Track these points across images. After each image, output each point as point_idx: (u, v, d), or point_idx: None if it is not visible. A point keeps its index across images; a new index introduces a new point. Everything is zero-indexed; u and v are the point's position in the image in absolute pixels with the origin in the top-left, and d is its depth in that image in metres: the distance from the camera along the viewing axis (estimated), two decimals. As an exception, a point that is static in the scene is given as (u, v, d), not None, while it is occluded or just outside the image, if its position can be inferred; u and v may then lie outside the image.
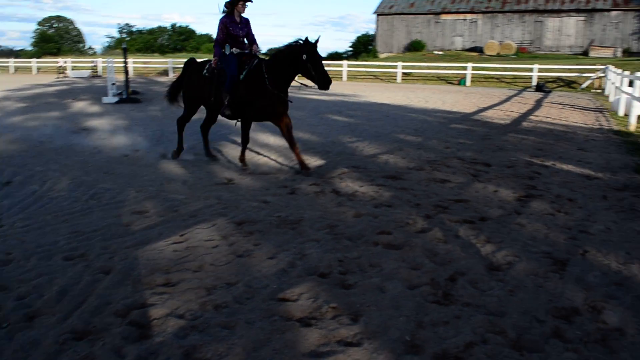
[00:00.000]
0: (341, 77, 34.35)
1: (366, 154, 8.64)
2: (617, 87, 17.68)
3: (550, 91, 26.34)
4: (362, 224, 5.05)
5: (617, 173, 7.71)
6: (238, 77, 7.11)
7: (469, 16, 53.61)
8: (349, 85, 29.61)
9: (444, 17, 54.24)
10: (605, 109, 18.08)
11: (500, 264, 4.19)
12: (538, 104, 19.43)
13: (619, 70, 19.09)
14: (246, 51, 7.39)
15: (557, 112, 16.49)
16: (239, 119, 7.43)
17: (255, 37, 7.46)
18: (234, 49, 7.26)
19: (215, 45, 7.36)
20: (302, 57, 6.65)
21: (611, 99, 19.63)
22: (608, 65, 25.86)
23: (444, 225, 5.09)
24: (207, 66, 7.54)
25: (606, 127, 13.22)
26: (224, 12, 7.23)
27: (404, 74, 34.08)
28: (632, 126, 12.95)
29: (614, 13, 47.92)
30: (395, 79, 33.57)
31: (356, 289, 3.66)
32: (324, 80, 6.64)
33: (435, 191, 6.35)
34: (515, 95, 23.49)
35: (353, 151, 8.90)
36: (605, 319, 3.37)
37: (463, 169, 7.66)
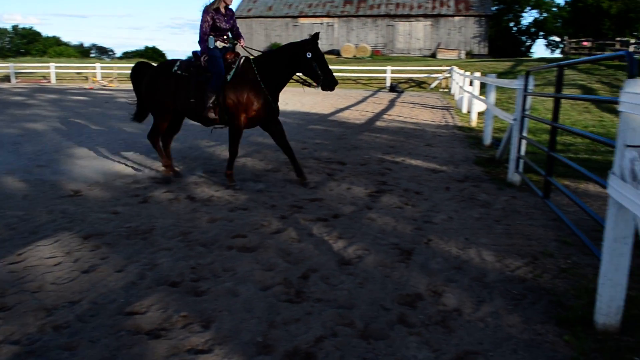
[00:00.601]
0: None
1: (223, 158, 8.55)
2: (460, 87, 19.09)
3: (402, 91, 27.85)
4: (217, 229, 4.99)
5: (459, 165, 8.32)
6: (225, 78, 6.44)
7: (325, 20, 55.19)
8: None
9: (301, 20, 55.38)
10: (451, 106, 19.47)
11: (351, 258, 4.34)
12: (391, 103, 20.46)
13: (462, 71, 20.62)
14: (229, 45, 6.70)
15: (409, 111, 17.47)
16: (221, 126, 6.78)
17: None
18: (218, 42, 6.55)
19: (201, 42, 6.50)
20: (306, 55, 6.26)
21: (456, 97, 21.17)
22: (453, 66, 27.84)
23: (299, 224, 5.17)
24: (177, 63, 6.76)
25: (451, 124, 14.23)
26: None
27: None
28: (474, 122, 14.07)
29: (457, 18, 51.77)
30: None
31: (208, 296, 3.60)
32: (330, 81, 6.28)
33: (291, 192, 6.44)
34: (371, 95, 24.56)
35: (210, 155, 8.78)
36: (445, 301, 3.61)
37: (319, 168, 7.85)
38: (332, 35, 54.81)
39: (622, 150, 3.03)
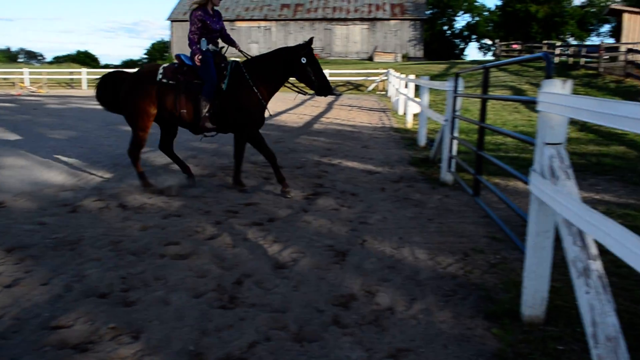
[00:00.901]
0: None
1: (157, 163, 8.38)
2: (396, 89, 19.43)
3: (340, 94, 28.11)
4: (149, 236, 4.86)
5: (394, 166, 8.45)
6: (219, 84, 6.25)
7: (263, 24, 55.09)
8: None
9: (239, 24, 55.05)
10: (388, 109, 19.79)
11: (285, 261, 4.32)
12: (329, 106, 20.59)
13: (398, 74, 21.00)
14: (219, 49, 6.52)
15: (346, 114, 17.64)
16: (211, 134, 6.56)
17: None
18: (210, 45, 6.37)
19: (192, 44, 6.26)
20: (300, 60, 6.10)
21: (392, 99, 21.53)
22: (390, 69, 28.34)
23: (234, 229, 5.11)
24: (161, 71, 6.42)
25: (388, 126, 14.46)
26: (194, 5, 6.27)
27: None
28: (409, 123, 14.33)
29: (392, 22, 52.70)
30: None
31: (138, 306, 3.50)
32: (325, 87, 6.16)
33: (226, 197, 6.36)
34: (309, 99, 24.59)
35: (143, 163, 8.52)
36: (379, 300, 3.65)
37: (255, 172, 7.81)
38: (270, 39, 54.73)
39: (542, 148, 3.15)
